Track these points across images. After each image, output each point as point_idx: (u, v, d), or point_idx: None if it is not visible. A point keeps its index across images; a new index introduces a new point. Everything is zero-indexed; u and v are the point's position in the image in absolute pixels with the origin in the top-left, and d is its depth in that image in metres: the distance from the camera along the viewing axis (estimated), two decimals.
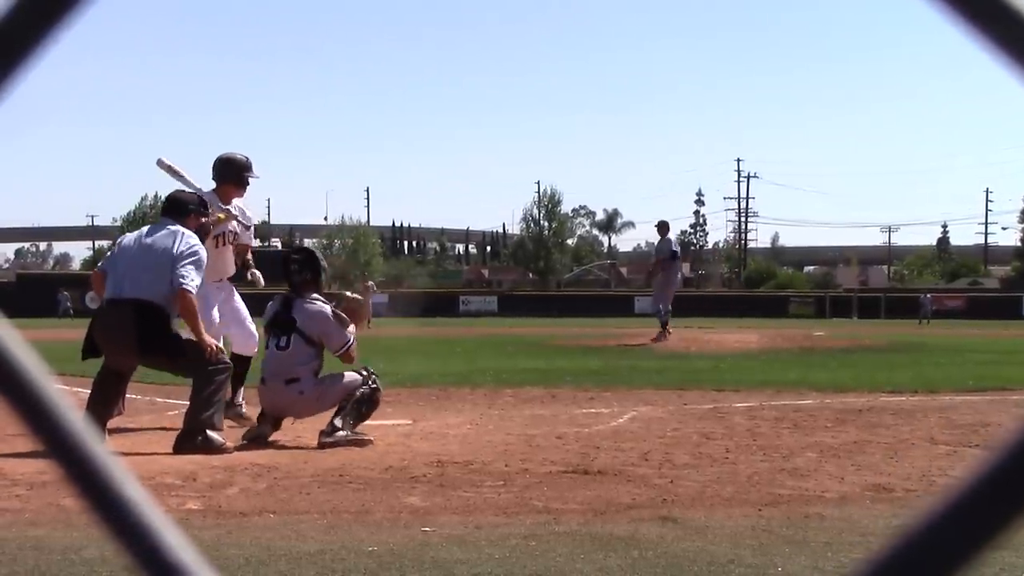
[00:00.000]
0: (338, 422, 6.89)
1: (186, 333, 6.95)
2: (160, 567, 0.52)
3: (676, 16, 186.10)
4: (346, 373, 7.17)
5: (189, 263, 6.86)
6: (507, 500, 5.07)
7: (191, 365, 6.85)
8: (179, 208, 7.25)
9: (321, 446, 6.76)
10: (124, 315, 6.78)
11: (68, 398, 0.57)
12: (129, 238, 7.18)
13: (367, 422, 7.09)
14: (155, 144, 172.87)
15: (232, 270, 8.35)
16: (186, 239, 6.97)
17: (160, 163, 8.18)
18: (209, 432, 6.64)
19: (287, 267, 7.45)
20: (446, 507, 4.89)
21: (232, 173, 8.17)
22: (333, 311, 7.25)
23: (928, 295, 53.26)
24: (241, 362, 8.09)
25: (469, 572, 3.74)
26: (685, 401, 9.62)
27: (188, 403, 6.87)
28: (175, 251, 6.86)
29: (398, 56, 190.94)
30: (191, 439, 6.59)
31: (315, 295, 7.34)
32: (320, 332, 7.15)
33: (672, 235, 20.92)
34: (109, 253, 7.29)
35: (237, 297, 8.30)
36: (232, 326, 8.22)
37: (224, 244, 8.13)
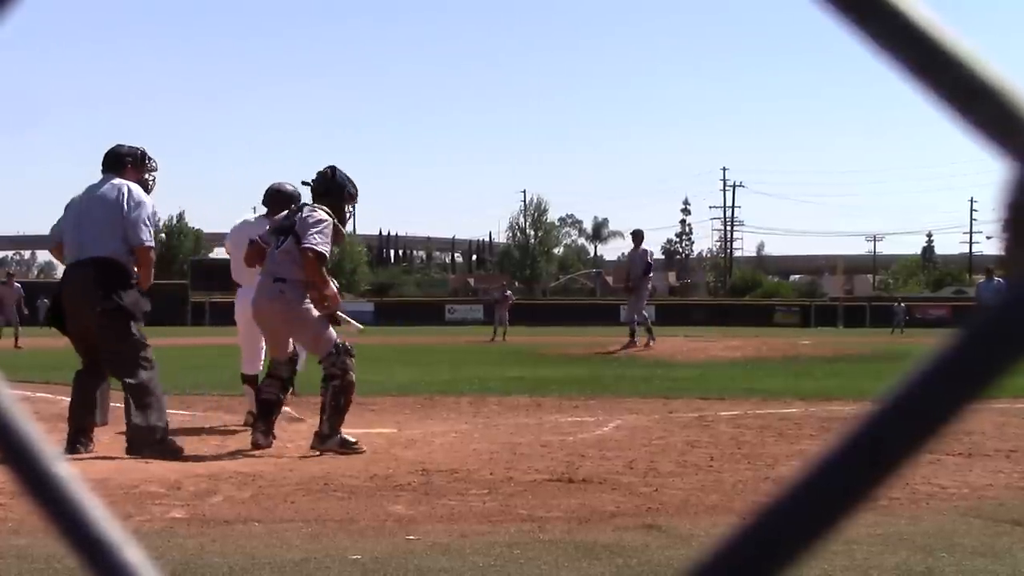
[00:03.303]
0: (326, 427, 6.89)
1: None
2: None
3: (663, 24, 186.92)
4: (323, 333, 7.03)
5: (139, 217, 6.97)
6: (492, 508, 5.07)
7: (123, 352, 6.87)
8: (118, 162, 7.27)
9: (313, 448, 6.79)
10: (86, 273, 6.89)
11: (20, 404, 0.57)
12: (74, 201, 7.21)
13: (353, 430, 7.08)
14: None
15: None
16: (131, 192, 7.04)
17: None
18: (164, 439, 6.75)
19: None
20: (431, 515, 4.89)
21: (283, 203, 8.30)
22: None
23: (902, 303, 52.13)
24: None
25: None
26: (670, 409, 9.63)
27: (125, 407, 6.90)
28: (124, 205, 6.96)
29: (382, 63, 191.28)
30: (146, 446, 6.65)
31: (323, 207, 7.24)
32: (300, 227, 7.00)
33: (647, 245, 20.65)
34: (57, 220, 7.29)
35: None
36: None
37: None
